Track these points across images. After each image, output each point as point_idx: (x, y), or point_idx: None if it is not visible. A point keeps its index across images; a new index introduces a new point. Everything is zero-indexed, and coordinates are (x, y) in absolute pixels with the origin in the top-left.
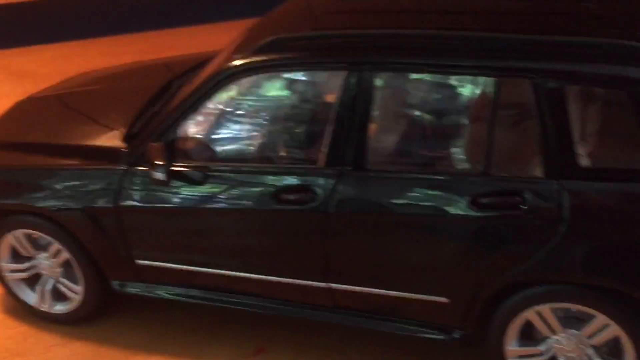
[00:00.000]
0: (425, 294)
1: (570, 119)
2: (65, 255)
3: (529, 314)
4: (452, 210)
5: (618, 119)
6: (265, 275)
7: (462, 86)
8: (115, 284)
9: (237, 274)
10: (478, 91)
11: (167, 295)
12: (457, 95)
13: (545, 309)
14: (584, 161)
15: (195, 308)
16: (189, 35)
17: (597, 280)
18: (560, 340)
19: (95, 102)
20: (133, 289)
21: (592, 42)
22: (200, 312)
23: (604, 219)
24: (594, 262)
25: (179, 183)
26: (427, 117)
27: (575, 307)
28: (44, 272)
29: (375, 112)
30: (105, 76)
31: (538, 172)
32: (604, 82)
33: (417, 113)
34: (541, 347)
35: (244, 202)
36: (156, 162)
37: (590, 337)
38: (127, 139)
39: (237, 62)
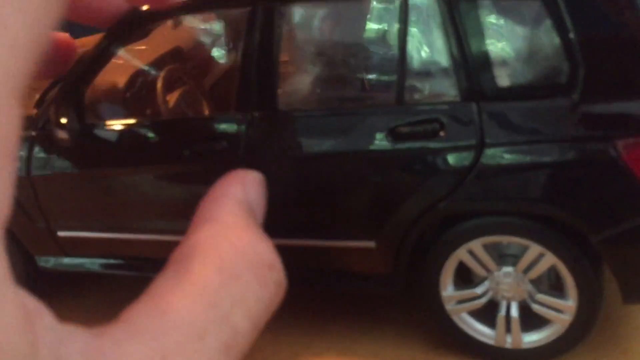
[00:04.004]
0: (351, 240)
1: (485, 36)
2: None
3: (461, 254)
4: (369, 144)
5: (535, 32)
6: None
7: (370, 15)
8: (41, 261)
9: (163, 237)
10: (387, 17)
11: (96, 267)
12: (366, 25)
13: (477, 245)
14: (503, 81)
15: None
16: None
17: (525, 208)
18: (497, 279)
19: None
20: (60, 264)
21: None
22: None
23: (524, 140)
24: (520, 188)
25: (87, 142)
26: (337, 50)
27: (507, 239)
28: None
29: (282, 50)
30: None
31: (455, 95)
32: None
33: (325, 47)
34: (478, 290)
35: (157, 156)
36: (61, 120)
37: (526, 271)
38: (37, 104)
39: None
